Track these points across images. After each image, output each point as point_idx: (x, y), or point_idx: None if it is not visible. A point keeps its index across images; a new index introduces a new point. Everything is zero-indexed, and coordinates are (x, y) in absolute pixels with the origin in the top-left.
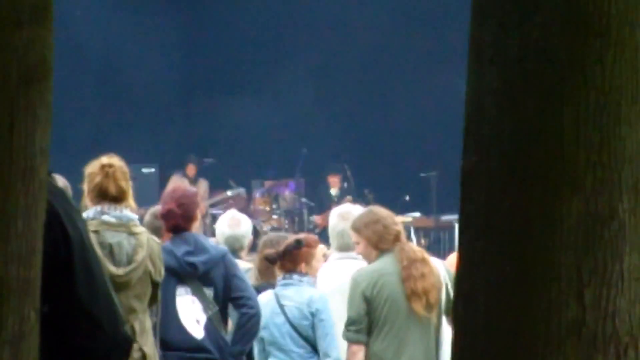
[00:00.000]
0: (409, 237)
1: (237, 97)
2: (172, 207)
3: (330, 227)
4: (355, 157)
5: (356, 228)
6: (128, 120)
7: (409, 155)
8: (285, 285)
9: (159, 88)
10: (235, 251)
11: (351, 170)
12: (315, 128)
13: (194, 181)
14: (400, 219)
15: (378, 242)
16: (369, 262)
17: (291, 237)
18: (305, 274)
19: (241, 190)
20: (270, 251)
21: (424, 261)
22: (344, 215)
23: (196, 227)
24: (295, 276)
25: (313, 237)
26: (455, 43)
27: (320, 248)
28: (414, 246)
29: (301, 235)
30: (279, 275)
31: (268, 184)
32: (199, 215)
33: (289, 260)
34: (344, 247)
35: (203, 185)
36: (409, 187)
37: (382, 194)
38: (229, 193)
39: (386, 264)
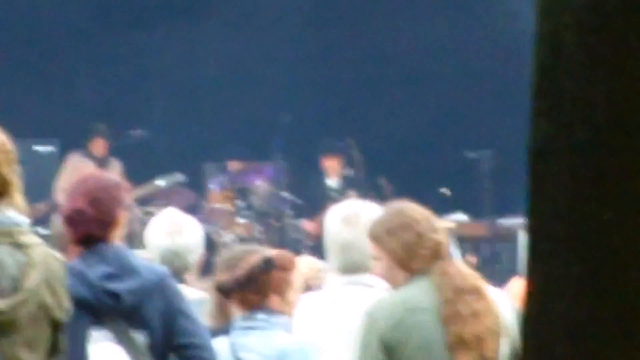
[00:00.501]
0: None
1: (178, 33)
2: (82, 206)
3: (328, 236)
4: (365, 129)
5: (376, 236)
6: (15, 79)
7: (447, 126)
8: (245, 329)
9: (56, 28)
10: (178, 272)
11: (359, 148)
12: (304, 84)
13: (102, 163)
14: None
15: (408, 258)
16: (393, 289)
17: (257, 254)
18: (277, 313)
19: (178, 178)
20: (225, 277)
21: (477, 292)
22: (350, 218)
23: (119, 237)
24: (261, 315)
25: (288, 255)
26: None
27: (306, 270)
28: (463, 267)
29: (272, 252)
30: (238, 314)
31: (232, 168)
32: (123, 217)
33: (253, 291)
34: (351, 268)
35: (115, 170)
36: (447, 174)
37: (406, 185)
38: (159, 183)
39: (419, 293)
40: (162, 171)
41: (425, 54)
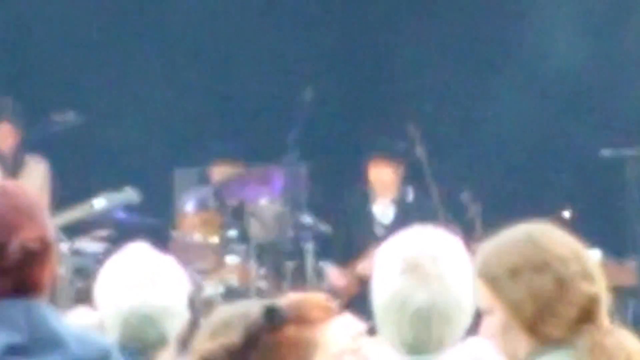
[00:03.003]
0: None
1: None
2: (1, 239)
3: (381, 296)
4: (436, 112)
5: (492, 277)
6: None
7: (566, 110)
8: None
9: None
10: (150, 348)
11: (426, 144)
12: (329, 40)
13: (12, 164)
14: None
15: (540, 319)
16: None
17: (256, 305)
18: None
19: (129, 196)
20: (209, 345)
21: None
22: (419, 265)
23: (46, 288)
24: None
25: (313, 299)
26: None
27: (338, 330)
28: (629, 339)
29: (285, 298)
30: None
31: (219, 175)
32: (56, 257)
33: None
34: (424, 346)
35: (36, 175)
36: (570, 186)
37: (502, 203)
38: (98, 204)
39: None
40: (104, 180)
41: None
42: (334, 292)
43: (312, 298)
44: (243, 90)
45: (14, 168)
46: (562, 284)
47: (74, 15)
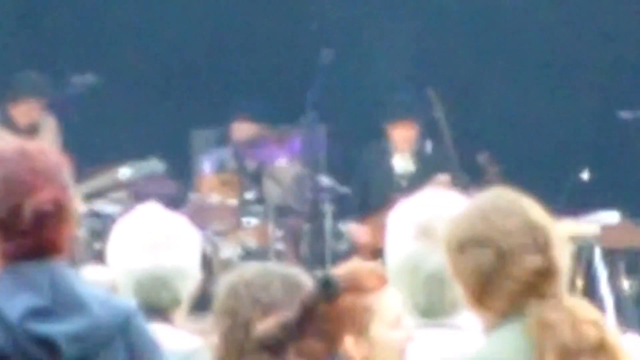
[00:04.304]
0: (588, 269)
1: None
2: (16, 201)
3: (395, 258)
4: (455, 76)
5: (447, 249)
6: None
7: (585, 75)
8: None
9: None
10: (163, 309)
11: (444, 104)
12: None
13: (29, 130)
14: (571, 226)
15: (483, 293)
16: (486, 333)
17: (302, 275)
18: None
19: (154, 166)
20: (265, 325)
21: (602, 352)
22: (427, 226)
23: (65, 249)
24: None
25: (365, 267)
26: None
27: (392, 296)
28: (582, 308)
29: (341, 268)
30: None
31: (237, 136)
32: (74, 218)
33: (314, 337)
34: (438, 310)
35: (47, 133)
36: (589, 147)
37: (521, 165)
38: (124, 173)
39: (507, 349)
40: (121, 142)
41: None
42: (355, 249)
43: (365, 267)
44: (260, 51)
45: (29, 136)
46: (503, 258)
47: None
